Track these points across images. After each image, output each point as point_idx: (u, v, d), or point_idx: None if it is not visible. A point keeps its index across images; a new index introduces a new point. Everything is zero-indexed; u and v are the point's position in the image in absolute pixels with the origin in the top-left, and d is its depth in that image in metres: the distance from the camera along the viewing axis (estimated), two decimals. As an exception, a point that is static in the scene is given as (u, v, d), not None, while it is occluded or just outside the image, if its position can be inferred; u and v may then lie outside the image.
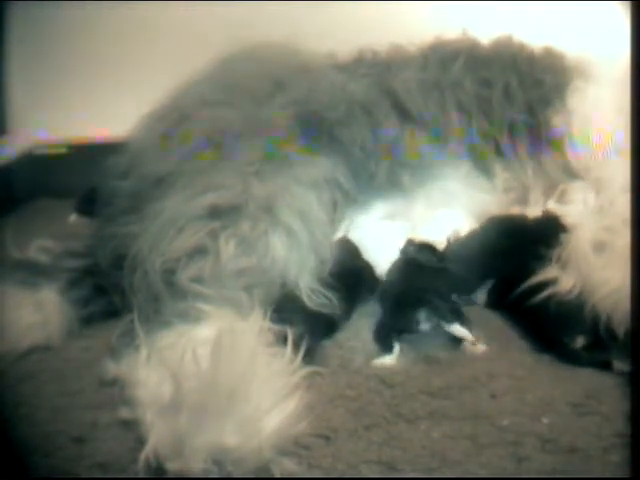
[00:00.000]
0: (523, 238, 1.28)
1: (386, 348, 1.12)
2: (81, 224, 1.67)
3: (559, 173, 1.37)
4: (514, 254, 1.25)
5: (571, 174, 1.35)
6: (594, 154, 1.30)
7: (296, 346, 1.02)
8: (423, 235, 1.32)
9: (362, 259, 1.29)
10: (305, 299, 1.14)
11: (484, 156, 1.41)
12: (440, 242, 1.32)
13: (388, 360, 1.10)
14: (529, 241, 1.26)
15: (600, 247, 1.18)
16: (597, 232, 1.19)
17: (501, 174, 1.40)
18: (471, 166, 1.41)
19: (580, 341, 1.08)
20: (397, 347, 1.11)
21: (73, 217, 1.79)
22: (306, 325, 1.09)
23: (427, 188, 1.39)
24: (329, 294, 1.15)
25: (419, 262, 1.26)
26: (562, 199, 1.35)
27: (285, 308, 1.11)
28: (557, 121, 1.38)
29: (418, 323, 1.13)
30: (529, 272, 1.19)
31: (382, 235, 1.32)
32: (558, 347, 1.10)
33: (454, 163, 1.40)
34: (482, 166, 1.41)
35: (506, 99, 1.43)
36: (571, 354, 1.08)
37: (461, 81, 1.43)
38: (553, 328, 1.12)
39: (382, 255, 1.29)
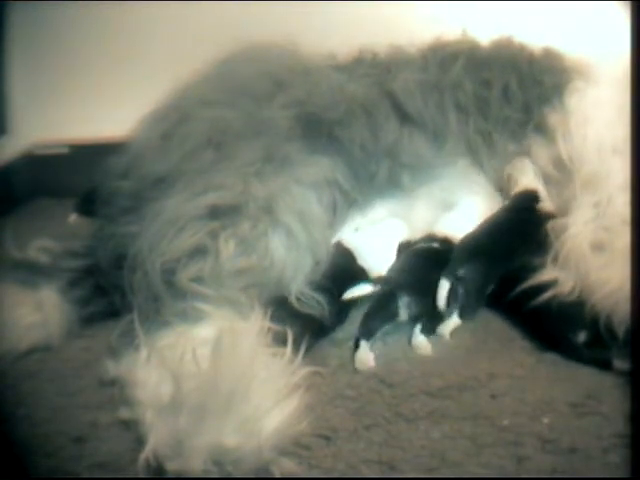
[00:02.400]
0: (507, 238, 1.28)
1: (364, 335, 1.12)
2: (81, 224, 1.67)
3: (550, 169, 1.37)
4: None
5: (564, 170, 1.35)
6: (591, 151, 1.30)
7: (296, 346, 1.02)
8: (445, 230, 1.32)
9: (356, 264, 1.27)
10: (294, 302, 1.13)
11: (480, 154, 1.41)
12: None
13: (362, 352, 1.10)
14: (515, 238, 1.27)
15: (599, 247, 1.18)
16: (596, 232, 1.19)
17: (495, 171, 1.41)
18: (468, 165, 1.41)
19: (582, 337, 1.08)
20: (371, 339, 1.12)
21: (73, 217, 1.79)
22: (296, 328, 1.08)
23: (427, 188, 1.39)
24: (319, 297, 1.14)
25: (426, 254, 1.26)
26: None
27: (276, 311, 1.10)
28: (554, 118, 1.38)
29: (396, 313, 1.15)
30: (528, 268, 1.20)
31: (378, 239, 1.31)
32: (561, 344, 1.10)
33: (452, 163, 1.40)
34: (478, 164, 1.41)
35: (505, 100, 1.43)
36: (574, 351, 1.08)
37: (461, 82, 1.43)
38: (554, 325, 1.12)
39: (378, 259, 1.28)
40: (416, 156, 1.38)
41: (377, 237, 1.31)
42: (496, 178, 1.41)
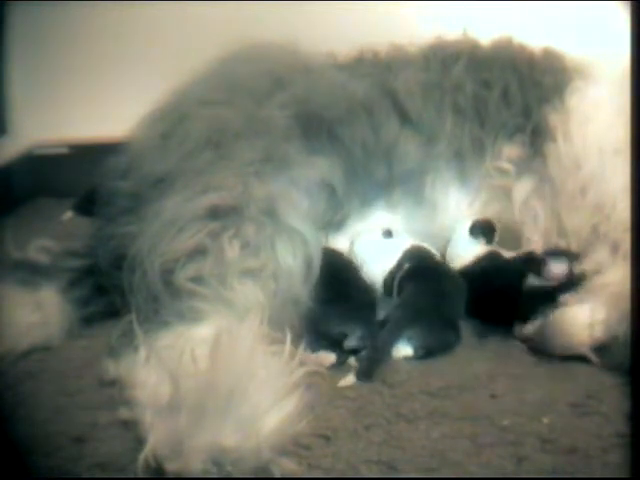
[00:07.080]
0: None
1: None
2: (76, 223, 1.67)
3: (550, 168, 1.37)
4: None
5: (564, 169, 1.34)
6: (591, 152, 1.29)
7: (294, 346, 1.02)
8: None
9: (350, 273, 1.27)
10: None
11: (466, 162, 1.40)
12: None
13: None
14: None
15: None
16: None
17: (488, 176, 1.40)
18: (459, 170, 1.40)
19: None
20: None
21: (68, 214, 1.78)
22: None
23: (421, 191, 1.39)
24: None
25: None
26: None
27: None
28: (554, 119, 1.37)
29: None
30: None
31: (380, 248, 1.30)
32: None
33: (443, 166, 1.39)
34: (470, 170, 1.41)
35: (504, 101, 1.42)
36: None
37: (461, 84, 1.43)
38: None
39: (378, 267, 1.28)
40: (409, 159, 1.38)
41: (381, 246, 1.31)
42: (475, 189, 1.40)
